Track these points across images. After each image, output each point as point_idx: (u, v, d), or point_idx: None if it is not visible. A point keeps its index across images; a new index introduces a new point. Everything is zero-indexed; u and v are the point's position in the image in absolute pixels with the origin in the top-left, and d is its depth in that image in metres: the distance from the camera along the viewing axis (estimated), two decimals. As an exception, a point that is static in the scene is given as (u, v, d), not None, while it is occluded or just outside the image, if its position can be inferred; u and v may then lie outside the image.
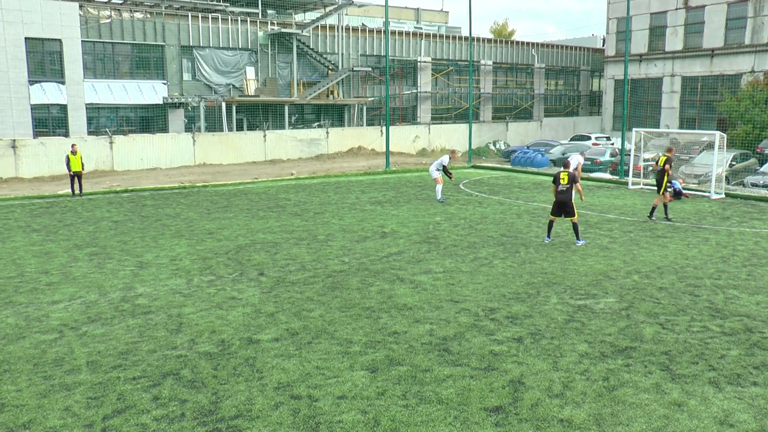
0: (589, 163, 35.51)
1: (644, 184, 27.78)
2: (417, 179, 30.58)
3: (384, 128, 38.07)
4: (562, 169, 16.70)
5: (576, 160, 24.22)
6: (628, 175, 28.96)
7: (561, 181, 16.24)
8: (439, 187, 23.67)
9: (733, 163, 30.11)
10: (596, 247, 16.02)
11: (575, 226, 16.44)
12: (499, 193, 26.03)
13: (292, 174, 32.35)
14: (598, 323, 10.42)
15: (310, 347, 9.28)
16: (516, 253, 15.38)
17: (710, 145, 28.01)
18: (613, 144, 44.05)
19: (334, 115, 49.25)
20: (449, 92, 54.80)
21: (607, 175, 32.10)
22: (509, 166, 36.95)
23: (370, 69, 49.44)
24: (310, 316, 10.64)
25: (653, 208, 19.99)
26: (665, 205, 20.02)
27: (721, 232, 18.26)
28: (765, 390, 8.06)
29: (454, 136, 48.67)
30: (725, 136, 26.85)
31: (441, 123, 51.77)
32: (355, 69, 48.12)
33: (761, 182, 27.30)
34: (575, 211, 16.35)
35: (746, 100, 43.67)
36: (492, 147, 50.58)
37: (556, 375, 8.38)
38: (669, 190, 20.06)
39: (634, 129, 29.17)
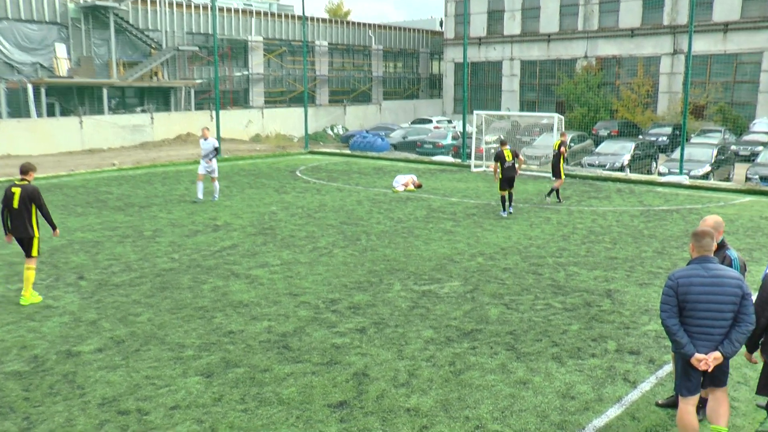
0: (431, 146, 36.60)
1: (487, 167, 29.02)
2: (251, 167, 30.23)
3: (214, 113, 37.23)
4: (501, 147, 18.90)
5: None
6: (470, 158, 30.12)
7: (506, 158, 18.56)
8: (200, 185, 20.97)
9: (571, 144, 32.13)
10: (439, 231, 16.54)
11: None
12: (338, 179, 26.25)
13: (113, 164, 30.92)
14: (443, 308, 10.77)
15: (138, 355, 8.92)
16: (357, 240, 15.57)
17: (550, 127, 29.67)
18: (454, 127, 45.59)
19: (159, 98, 47.54)
20: (283, 74, 54.49)
21: (449, 158, 33.20)
22: (348, 152, 37.36)
23: (197, 48, 48.11)
24: (138, 321, 10.23)
25: (557, 192, 20.85)
26: (555, 189, 20.91)
27: (561, 211, 19.44)
28: (602, 361, 8.70)
29: (289, 121, 48.48)
30: (563, 118, 28.61)
31: (275, 107, 51.40)
32: (180, 48, 46.65)
33: (597, 162, 29.35)
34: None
35: (582, 84, 47.03)
36: (330, 132, 50.86)
37: (401, 364, 8.57)
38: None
39: (475, 112, 30.33)
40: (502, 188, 18.68)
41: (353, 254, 14.31)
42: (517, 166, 18.95)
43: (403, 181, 23.58)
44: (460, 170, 29.47)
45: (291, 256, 14.20)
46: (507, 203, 18.72)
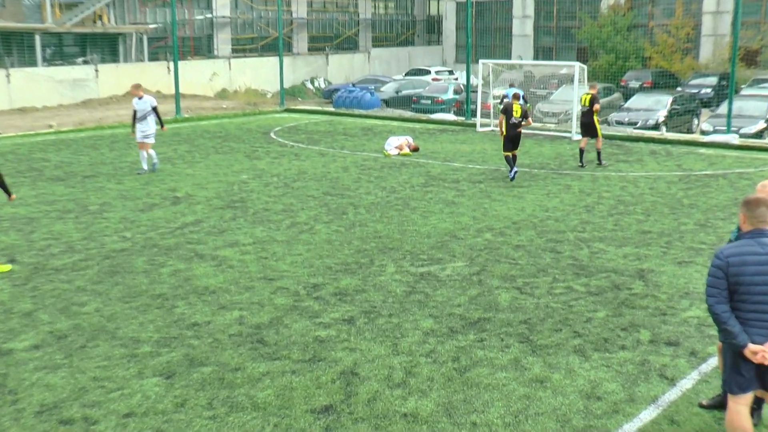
0: (429, 102, 36.48)
1: (495, 126, 28.95)
2: (216, 128, 30.19)
3: (172, 64, 37.01)
4: (512, 100, 19.09)
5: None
6: (475, 116, 30.05)
7: (514, 113, 18.69)
8: (143, 154, 20.49)
9: (596, 98, 32.12)
10: (440, 203, 16.54)
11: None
12: (319, 142, 26.23)
13: (50, 126, 30.81)
14: (445, 293, 10.77)
15: (83, 353, 8.90)
16: (343, 214, 15.58)
17: (569, 79, 29.59)
18: (456, 79, 45.51)
19: (104, 47, 47.22)
20: (254, 17, 54.16)
21: (451, 116, 33.13)
22: (332, 109, 37.36)
23: (149, -13, 47.81)
24: (83, 312, 10.22)
25: (581, 155, 20.91)
26: (598, 151, 21.08)
27: (584, 177, 19.45)
28: (633, 354, 8.70)
29: (261, 73, 48.26)
30: (586, 67, 28.49)
31: (245, 56, 51.18)
32: (129, -13, 46.36)
33: (626, 119, 29.30)
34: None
35: (608, 27, 46.67)
36: (310, 85, 50.75)
37: (396, 360, 8.57)
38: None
39: (481, 61, 30.24)
40: (506, 148, 18.94)
41: (339, 231, 14.30)
42: (524, 122, 19.19)
43: (396, 144, 23.54)
44: (464, 130, 29.43)
45: (265, 233, 14.20)
46: (513, 163, 18.92)
